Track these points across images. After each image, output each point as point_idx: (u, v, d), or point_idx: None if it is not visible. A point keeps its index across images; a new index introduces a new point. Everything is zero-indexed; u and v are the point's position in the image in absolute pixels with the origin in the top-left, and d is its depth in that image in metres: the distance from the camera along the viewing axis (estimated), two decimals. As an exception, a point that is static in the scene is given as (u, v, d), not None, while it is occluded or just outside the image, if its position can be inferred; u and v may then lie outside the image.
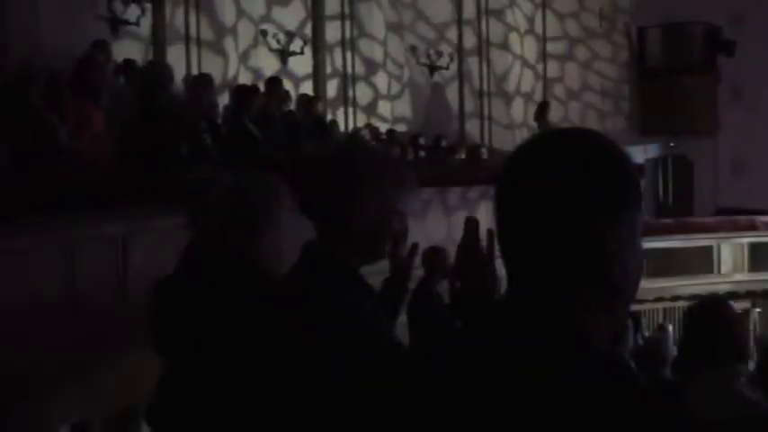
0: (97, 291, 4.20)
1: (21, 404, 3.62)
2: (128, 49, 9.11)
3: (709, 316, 2.93)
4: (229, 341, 2.33)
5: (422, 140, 11.61)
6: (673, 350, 6.19)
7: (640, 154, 14.64)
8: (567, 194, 1.11)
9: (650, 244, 12.11)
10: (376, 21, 12.86)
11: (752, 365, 5.89)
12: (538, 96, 14.82)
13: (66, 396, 3.85)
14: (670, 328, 8.19)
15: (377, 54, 12.85)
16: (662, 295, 12.07)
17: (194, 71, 10.03)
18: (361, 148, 2.02)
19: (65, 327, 3.92)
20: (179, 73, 9.51)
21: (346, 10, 12.52)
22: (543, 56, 15.58)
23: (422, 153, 11.23)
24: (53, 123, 5.74)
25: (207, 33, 10.73)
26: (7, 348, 3.58)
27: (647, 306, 11.72)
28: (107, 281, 4.31)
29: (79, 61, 6.48)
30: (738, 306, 10.51)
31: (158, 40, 10.33)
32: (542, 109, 11.53)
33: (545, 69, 15.60)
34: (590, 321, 1.12)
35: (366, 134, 10.64)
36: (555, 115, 11.27)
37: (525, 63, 15.28)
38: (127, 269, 4.33)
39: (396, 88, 13.12)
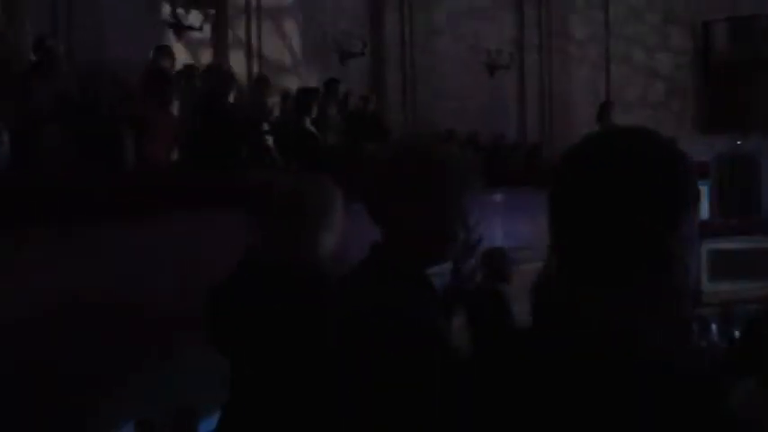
0: (161, 290, 4.29)
1: (93, 401, 3.73)
2: (190, 55, 9.27)
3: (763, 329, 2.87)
4: (290, 344, 2.36)
5: (482, 139, 11.56)
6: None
7: (705, 152, 14.33)
8: (627, 194, 1.09)
9: (715, 245, 11.85)
10: (436, 20, 12.85)
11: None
12: (600, 95, 14.63)
13: (132, 394, 3.94)
14: (736, 333, 8.00)
15: (436, 53, 12.84)
16: (725, 298, 11.79)
17: (256, 73, 10.16)
18: (424, 148, 1.99)
19: (132, 327, 4.02)
20: (240, 76, 9.65)
21: (406, 13, 12.53)
22: (606, 53, 15.37)
23: (481, 152, 11.18)
24: (121, 130, 5.89)
25: (268, 36, 10.86)
26: (82, 347, 3.69)
27: (710, 309, 11.46)
28: (171, 280, 4.40)
29: (145, 67, 6.63)
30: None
31: (220, 44, 10.50)
32: (605, 108, 11.36)
33: (608, 67, 15.39)
34: (651, 323, 1.10)
35: (425, 133, 10.64)
36: (617, 114, 11.08)
37: (587, 61, 15.10)
38: (189, 269, 4.41)
39: (454, 87, 13.08)
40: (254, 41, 10.78)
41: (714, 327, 8.13)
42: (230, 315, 2.57)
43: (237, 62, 10.36)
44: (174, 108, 6.77)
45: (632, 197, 1.09)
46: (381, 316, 1.77)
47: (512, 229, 8.50)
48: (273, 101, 8.71)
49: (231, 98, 7.33)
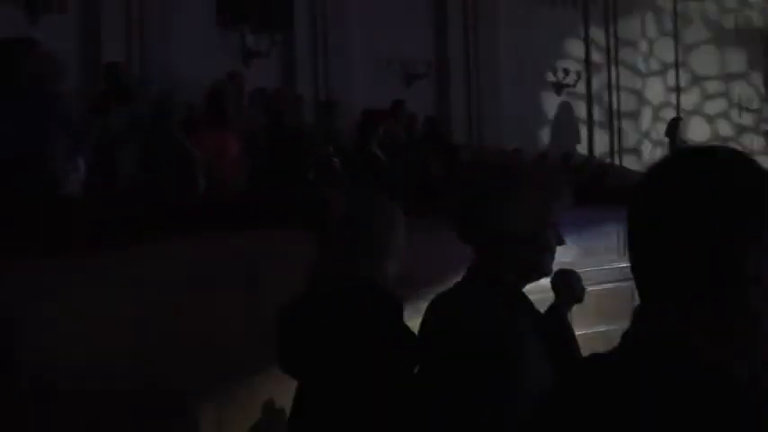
0: (231, 309, 4.35)
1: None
2: (259, 78, 9.44)
3: None
4: (356, 366, 2.38)
5: (550, 158, 11.48)
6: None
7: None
8: (704, 216, 1.07)
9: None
10: (500, 41, 12.83)
11: None
12: (670, 112, 14.39)
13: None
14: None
15: (501, 73, 12.81)
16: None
17: (322, 97, 10.29)
18: (513, 166, 2.00)
19: (203, 345, 4.09)
20: (308, 99, 9.79)
21: (470, 33, 12.56)
22: (676, 68, 15.13)
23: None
24: (192, 154, 6.03)
25: (335, 59, 11.00)
26: (161, 367, 3.76)
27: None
28: (240, 300, 4.46)
29: (212, 91, 6.77)
30: None
31: (288, 68, 10.67)
32: (675, 125, 11.17)
33: (678, 82, 15.14)
34: (729, 349, 1.07)
35: (490, 153, 10.61)
36: (688, 131, 10.88)
37: (656, 77, 14.88)
38: (258, 287, 4.48)
39: (522, 108, 13.02)
40: (320, 65, 10.93)
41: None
42: (297, 337, 2.60)
43: (305, 86, 10.51)
44: (239, 130, 6.90)
45: (709, 219, 1.07)
46: (477, 330, 1.77)
47: (575, 248, 8.37)
48: (340, 124, 8.79)
49: (298, 121, 7.43)
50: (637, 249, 1.13)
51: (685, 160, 1.16)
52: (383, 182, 7.11)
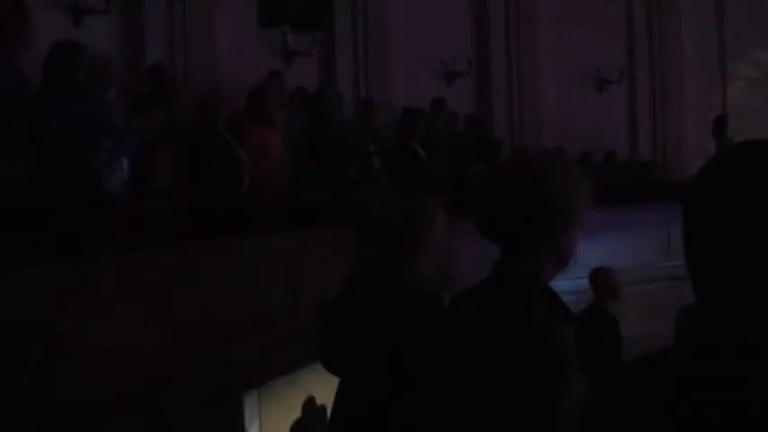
0: (274, 307, 4.38)
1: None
2: (300, 77, 9.48)
3: None
4: (396, 366, 2.38)
5: (592, 157, 11.37)
6: None
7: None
8: (760, 214, 1.03)
9: None
10: (541, 38, 12.74)
11: None
12: (715, 109, 14.16)
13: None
14: None
15: (542, 70, 12.72)
16: None
17: (363, 95, 10.30)
18: (535, 165, 1.97)
19: (246, 343, 4.11)
20: (349, 98, 9.81)
21: (511, 31, 12.49)
22: (721, 67, 14.88)
23: (592, 169, 10.99)
24: (238, 153, 6.08)
25: (375, 58, 11.01)
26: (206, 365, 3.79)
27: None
28: (282, 297, 4.48)
29: (255, 91, 6.81)
30: None
31: (329, 67, 10.71)
32: (721, 122, 10.99)
33: (723, 79, 14.89)
34: None
35: (535, 152, 10.53)
36: (734, 128, 10.69)
37: (700, 72, 14.65)
38: (299, 285, 4.50)
39: (563, 105, 12.90)
40: (361, 64, 10.95)
41: None
42: (337, 336, 2.61)
43: (345, 85, 10.53)
44: (281, 129, 6.93)
45: (763, 218, 1.03)
46: (509, 322, 1.76)
47: (619, 247, 8.28)
48: (381, 122, 8.79)
49: (339, 120, 7.45)
50: (695, 248, 1.09)
51: (743, 155, 1.11)
52: (424, 180, 7.09)
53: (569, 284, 2.00)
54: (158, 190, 5.93)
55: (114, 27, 8.61)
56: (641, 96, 14.08)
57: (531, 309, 1.78)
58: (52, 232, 3.43)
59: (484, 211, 1.89)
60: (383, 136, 8.53)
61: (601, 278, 5.94)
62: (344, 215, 3.94)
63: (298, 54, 10.25)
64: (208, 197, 5.25)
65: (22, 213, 3.52)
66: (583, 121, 13.10)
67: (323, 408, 3.77)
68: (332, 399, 2.67)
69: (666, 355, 1.11)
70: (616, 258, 7.01)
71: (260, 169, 6.21)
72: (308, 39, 10.35)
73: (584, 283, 5.83)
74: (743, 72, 15.08)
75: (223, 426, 3.81)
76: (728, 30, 14.92)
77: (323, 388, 2.79)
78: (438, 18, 11.52)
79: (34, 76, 4.46)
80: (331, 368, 2.69)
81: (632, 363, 1.17)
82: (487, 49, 12.41)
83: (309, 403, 4.10)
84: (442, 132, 9.14)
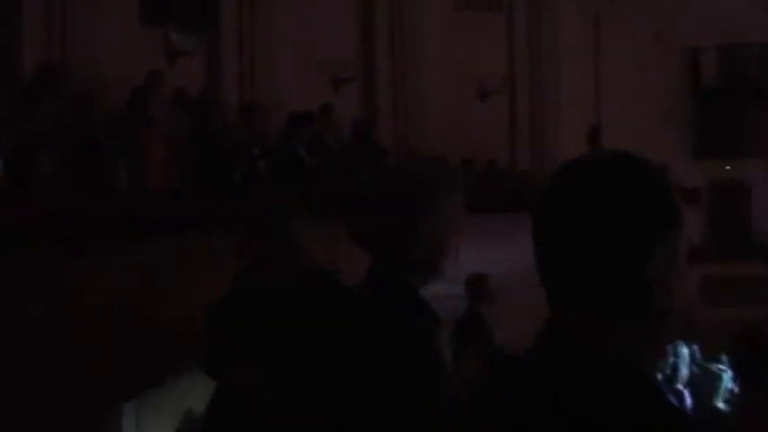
0: (157, 315, 4.29)
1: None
2: (185, 77, 9.30)
3: (755, 343, 2.91)
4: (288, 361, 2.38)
5: (474, 165, 11.61)
6: (726, 381, 6.07)
7: (697, 178, 14.41)
8: (605, 220, 1.10)
9: (706, 270, 11.88)
10: (426, 46, 12.92)
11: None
12: (590, 121, 14.70)
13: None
14: (723, 359, 7.98)
15: (427, 79, 12.90)
16: (718, 323, 11.79)
17: (248, 98, 10.20)
18: (416, 173, 2.00)
19: (129, 353, 4.01)
20: (234, 100, 9.69)
21: (396, 40, 12.62)
22: (596, 79, 15.47)
23: (474, 178, 11.22)
24: (114, 152, 5.92)
25: (261, 61, 10.91)
26: (77, 375, 3.67)
27: (703, 334, 11.45)
28: (166, 305, 4.40)
29: (135, 91, 6.66)
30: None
31: (214, 68, 10.54)
32: (594, 132, 11.44)
33: (597, 91, 15.49)
34: (634, 348, 1.11)
35: (417, 161, 10.67)
36: (607, 138, 11.14)
37: (577, 85, 15.18)
38: (182, 293, 4.42)
39: (446, 113, 13.12)
40: (246, 66, 10.83)
41: (698, 352, 8.08)
42: (225, 337, 2.59)
43: (231, 87, 10.40)
44: (165, 132, 6.79)
45: (609, 224, 1.10)
46: (381, 325, 1.79)
47: (497, 254, 8.48)
48: (267, 126, 8.72)
49: (223, 123, 7.35)
50: (543, 256, 1.16)
51: (584, 168, 1.18)
52: (310, 185, 7.10)
53: (447, 290, 2.04)
54: (34, 192, 5.71)
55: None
56: (521, 106, 14.49)
57: (401, 313, 1.81)
58: None
59: (358, 219, 1.92)
60: (269, 140, 8.47)
61: (476, 284, 6.10)
62: (228, 220, 3.89)
63: (182, 54, 10.06)
64: (84, 201, 5.10)
65: None
66: (466, 129, 13.37)
67: (202, 417, 3.71)
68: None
69: (529, 357, 1.16)
70: (493, 264, 7.18)
71: (140, 170, 6.08)
72: (193, 38, 10.17)
73: (461, 289, 5.97)
74: (617, 83, 15.72)
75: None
76: (604, 42, 15.54)
77: (204, 397, 2.74)
78: (325, 24, 11.52)
79: None
80: (216, 372, 2.66)
81: (499, 364, 1.23)
82: (373, 56, 12.50)
83: (189, 414, 4.03)
84: (329, 138, 9.15)
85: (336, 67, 11.77)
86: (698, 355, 8.10)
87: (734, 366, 3.13)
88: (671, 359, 5.85)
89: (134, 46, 9.28)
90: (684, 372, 5.88)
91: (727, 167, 15.80)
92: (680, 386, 5.77)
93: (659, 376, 5.13)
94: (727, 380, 6.24)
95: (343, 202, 2.04)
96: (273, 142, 8.43)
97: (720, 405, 5.73)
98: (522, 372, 1.15)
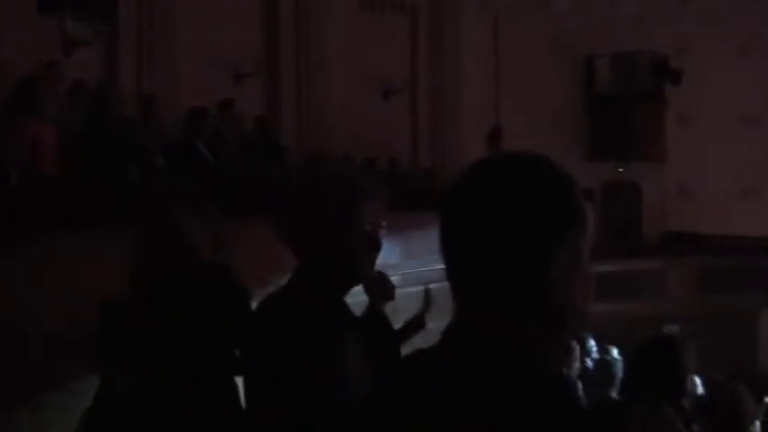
0: (46, 314, 4.15)
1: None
2: (81, 68, 9.01)
3: (655, 354, 3.02)
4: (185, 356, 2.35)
5: (377, 164, 11.65)
6: (619, 373, 6.28)
7: (590, 179, 14.86)
8: (507, 220, 1.11)
9: (599, 268, 12.28)
10: (330, 44, 12.90)
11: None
12: (490, 121, 14.96)
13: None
14: (615, 351, 8.26)
15: (330, 77, 12.88)
16: (611, 319, 12.21)
17: (147, 91, 9.96)
18: (327, 174, 1.99)
19: (14, 352, 3.87)
20: (132, 93, 9.45)
21: (301, 36, 12.55)
22: (496, 82, 15.76)
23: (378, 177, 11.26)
24: (5, 147, 5.68)
25: (160, 53, 10.67)
26: None
27: (596, 329, 11.84)
28: (56, 304, 4.25)
29: (25, 80, 6.41)
30: (683, 330, 10.73)
31: (112, 60, 10.26)
32: (495, 134, 11.63)
33: (497, 95, 15.78)
34: (536, 344, 1.13)
35: (322, 159, 10.64)
36: (505, 140, 11.36)
37: (476, 88, 15.43)
38: (74, 291, 4.28)
39: (350, 112, 13.14)
40: (145, 59, 10.57)
41: (594, 345, 8.34)
42: (122, 334, 2.54)
43: (129, 79, 10.14)
44: (61, 123, 6.56)
45: (511, 223, 1.11)
46: (290, 327, 1.78)
47: (396, 251, 8.56)
48: (165, 120, 8.55)
49: (119, 116, 7.14)
50: (450, 255, 1.17)
51: (488, 168, 1.19)
52: (209, 180, 6.98)
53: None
54: None
55: None
56: (422, 106, 14.63)
57: (304, 312, 1.80)
58: None
59: (286, 221, 1.90)
60: (167, 134, 8.30)
61: (374, 281, 6.12)
62: (123, 216, 3.80)
63: (79, 44, 9.73)
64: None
65: None
66: (369, 128, 13.41)
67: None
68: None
69: (434, 355, 1.18)
70: (394, 261, 7.24)
71: (33, 160, 5.85)
72: (90, 29, 9.85)
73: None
74: (516, 85, 16.04)
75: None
76: (504, 45, 15.85)
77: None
78: (227, 17, 11.35)
79: None
80: (112, 368, 2.60)
81: (403, 361, 1.24)
82: (278, 53, 12.39)
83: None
84: (229, 133, 9.03)
85: (238, 63, 11.62)
86: (594, 347, 8.37)
87: (631, 369, 3.25)
88: (577, 353, 6.02)
89: (28, 35, 8.94)
90: (576, 365, 6.05)
91: (620, 169, 16.35)
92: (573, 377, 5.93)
93: (565, 371, 5.26)
94: (620, 369, 6.45)
95: (250, 201, 2.03)
96: (172, 137, 8.26)
97: (614, 395, 5.92)
98: (426, 370, 1.15)
